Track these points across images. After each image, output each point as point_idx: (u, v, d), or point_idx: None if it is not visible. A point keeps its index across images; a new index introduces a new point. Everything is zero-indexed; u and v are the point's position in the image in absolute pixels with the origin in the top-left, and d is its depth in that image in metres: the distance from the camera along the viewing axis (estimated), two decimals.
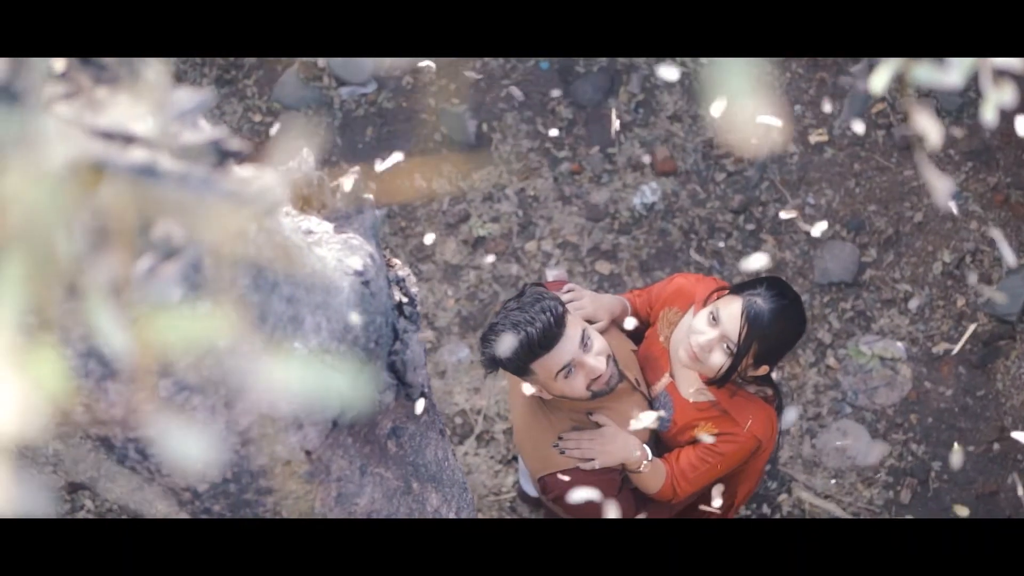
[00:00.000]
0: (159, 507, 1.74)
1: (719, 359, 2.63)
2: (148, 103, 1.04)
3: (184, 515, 1.77)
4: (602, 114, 4.22)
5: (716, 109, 1.82)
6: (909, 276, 4.07)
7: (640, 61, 4.27)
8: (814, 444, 3.93)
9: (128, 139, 0.98)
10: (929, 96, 4.18)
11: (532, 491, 3.52)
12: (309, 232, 1.75)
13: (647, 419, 2.44)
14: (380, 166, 1.80)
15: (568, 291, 2.86)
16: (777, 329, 2.61)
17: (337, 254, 1.71)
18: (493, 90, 4.24)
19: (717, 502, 2.83)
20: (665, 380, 2.84)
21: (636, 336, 2.97)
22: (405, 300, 1.87)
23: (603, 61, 4.27)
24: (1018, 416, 3.93)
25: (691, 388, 2.80)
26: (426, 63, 4.04)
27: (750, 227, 4.11)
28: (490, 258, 4.03)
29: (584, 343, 2.59)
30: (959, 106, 4.19)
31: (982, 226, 4.10)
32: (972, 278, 4.03)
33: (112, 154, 0.95)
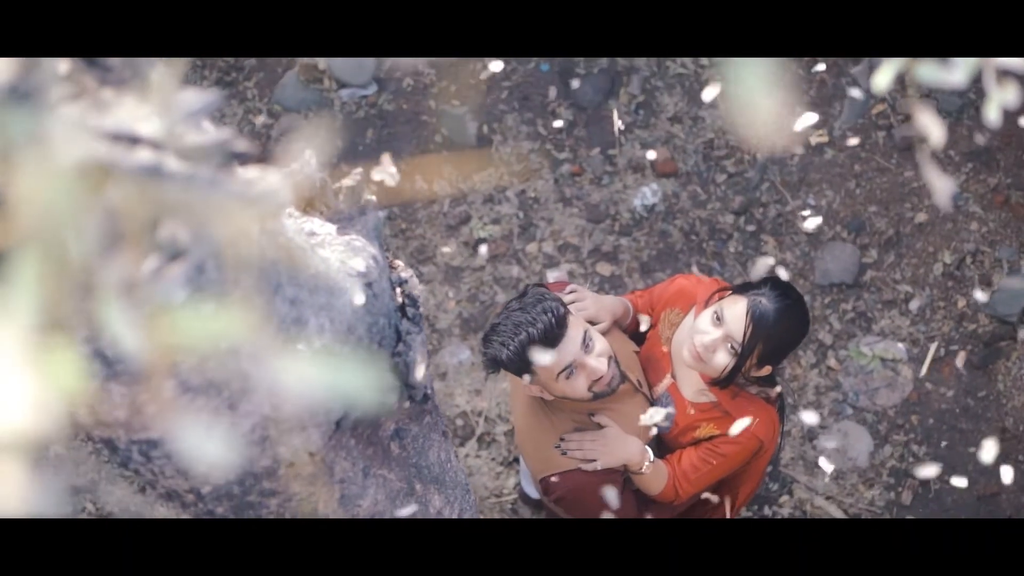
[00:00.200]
0: (161, 510, 1.74)
1: (723, 359, 2.63)
2: (154, 104, 1.04)
3: (187, 517, 1.77)
4: (602, 115, 4.22)
5: (708, 94, 1.83)
6: (910, 277, 4.08)
7: (640, 62, 4.27)
8: (815, 445, 3.93)
9: (134, 140, 0.99)
10: (930, 96, 4.18)
11: (534, 493, 3.51)
12: (312, 234, 1.75)
13: (657, 415, 2.43)
14: (377, 174, 1.79)
15: (570, 292, 2.86)
16: (782, 329, 2.61)
17: (340, 256, 1.71)
18: (494, 92, 4.24)
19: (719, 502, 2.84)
20: (667, 381, 2.84)
21: (638, 337, 2.97)
22: (408, 302, 1.87)
23: (603, 62, 4.27)
24: (1019, 417, 3.93)
25: (693, 389, 2.80)
26: (427, 70, 4.04)
27: (751, 228, 4.11)
28: (483, 252, 4.02)
29: (586, 344, 2.59)
30: (959, 107, 4.19)
31: (982, 227, 4.10)
32: (973, 280, 4.03)
33: (118, 155, 0.95)
